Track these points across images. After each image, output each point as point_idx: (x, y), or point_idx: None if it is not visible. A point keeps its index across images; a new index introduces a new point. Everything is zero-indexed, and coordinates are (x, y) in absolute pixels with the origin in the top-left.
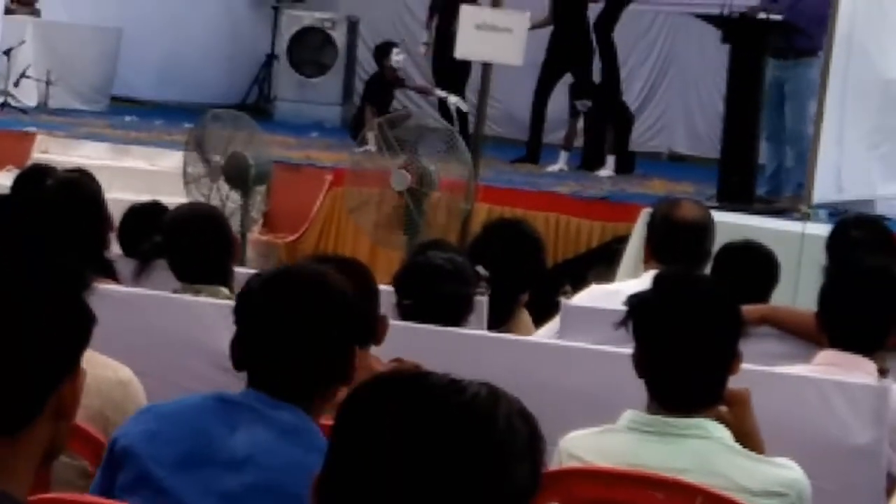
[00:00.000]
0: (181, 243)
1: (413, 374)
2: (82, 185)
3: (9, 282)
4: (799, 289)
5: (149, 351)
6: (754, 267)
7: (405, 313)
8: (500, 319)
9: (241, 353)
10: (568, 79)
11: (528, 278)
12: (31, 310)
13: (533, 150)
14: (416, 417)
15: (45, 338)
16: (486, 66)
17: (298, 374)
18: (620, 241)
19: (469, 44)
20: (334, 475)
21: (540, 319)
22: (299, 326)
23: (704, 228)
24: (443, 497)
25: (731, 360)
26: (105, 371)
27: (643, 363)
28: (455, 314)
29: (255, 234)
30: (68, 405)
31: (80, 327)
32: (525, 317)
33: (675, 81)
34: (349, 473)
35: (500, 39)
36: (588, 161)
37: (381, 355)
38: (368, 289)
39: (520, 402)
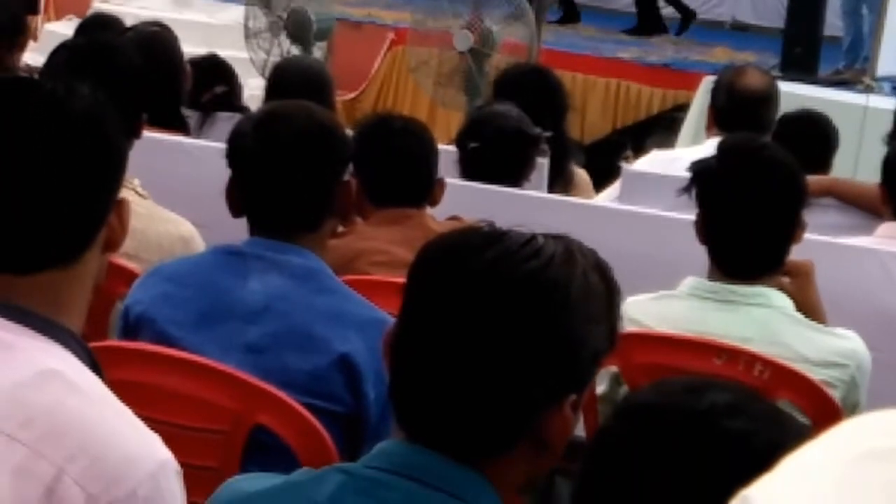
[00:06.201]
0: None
1: (488, 233)
2: (162, 39)
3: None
4: (860, 161)
5: (213, 202)
6: (813, 136)
7: (469, 159)
8: (555, 175)
9: (239, 198)
10: None
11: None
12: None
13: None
14: (491, 280)
15: (90, 171)
16: None
17: (298, 211)
18: (681, 109)
19: None
20: (407, 331)
21: (600, 184)
22: (295, 162)
23: (768, 97)
24: (517, 358)
25: (794, 229)
26: (167, 226)
27: (706, 230)
28: (519, 159)
29: None
30: (116, 235)
31: (118, 161)
32: (584, 176)
33: None
34: (421, 331)
35: None
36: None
37: (439, 216)
38: (430, 148)
39: (595, 254)
